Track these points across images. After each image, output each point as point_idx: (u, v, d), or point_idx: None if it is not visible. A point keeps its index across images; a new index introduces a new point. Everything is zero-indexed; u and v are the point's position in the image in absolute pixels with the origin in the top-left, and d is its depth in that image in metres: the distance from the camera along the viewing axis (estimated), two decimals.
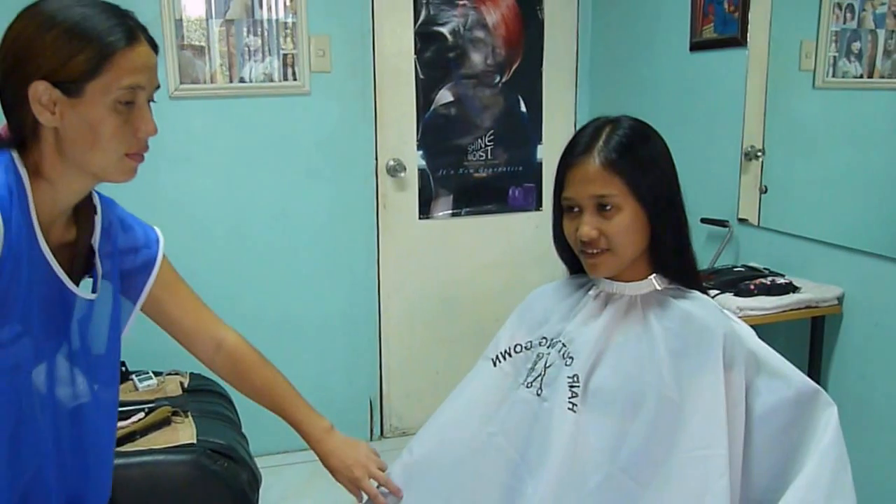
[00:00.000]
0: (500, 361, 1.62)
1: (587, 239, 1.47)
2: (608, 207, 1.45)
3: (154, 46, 1.36)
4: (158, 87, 1.39)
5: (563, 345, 1.53)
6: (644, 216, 1.45)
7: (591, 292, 1.57)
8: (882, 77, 2.48)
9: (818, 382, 2.56)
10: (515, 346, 1.61)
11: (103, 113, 1.27)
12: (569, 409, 1.46)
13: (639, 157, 1.47)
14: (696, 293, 1.50)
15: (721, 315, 1.47)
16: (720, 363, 1.40)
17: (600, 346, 1.50)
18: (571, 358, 1.50)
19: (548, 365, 1.53)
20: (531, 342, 1.59)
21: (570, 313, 1.57)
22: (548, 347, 1.55)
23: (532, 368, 1.55)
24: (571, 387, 1.48)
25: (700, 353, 1.41)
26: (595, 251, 1.48)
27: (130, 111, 1.31)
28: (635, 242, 1.47)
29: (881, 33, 2.47)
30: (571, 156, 1.52)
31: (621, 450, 1.42)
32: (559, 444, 1.44)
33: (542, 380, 1.52)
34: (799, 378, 1.43)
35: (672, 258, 1.50)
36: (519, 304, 1.74)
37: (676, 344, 1.44)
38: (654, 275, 1.51)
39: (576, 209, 1.50)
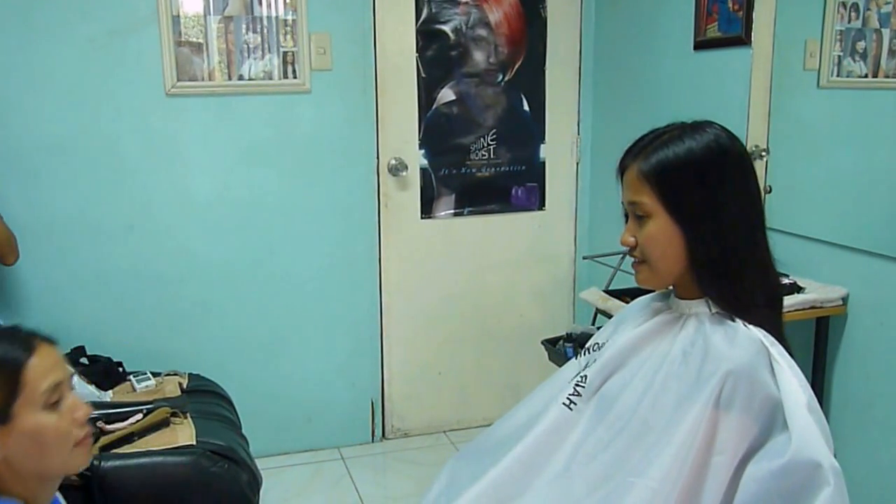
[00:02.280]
0: (580, 356, 1.68)
1: (623, 245, 1.48)
2: (642, 215, 1.43)
3: (50, 340, 1.43)
4: (72, 373, 1.46)
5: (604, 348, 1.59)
6: (678, 231, 1.40)
7: (655, 304, 1.58)
8: (887, 76, 2.46)
9: (822, 383, 2.57)
10: (594, 345, 1.66)
11: (38, 420, 1.34)
12: (564, 404, 1.55)
13: (675, 168, 1.40)
14: (739, 324, 1.40)
15: (747, 353, 1.35)
16: (710, 400, 1.34)
17: (624, 355, 1.52)
18: (595, 360, 1.56)
19: (589, 364, 1.60)
20: (603, 343, 1.64)
21: (634, 321, 1.59)
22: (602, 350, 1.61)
23: (584, 366, 1.62)
24: (576, 385, 1.56)
25: (695, 386, 1.37)
26: (634, 260, 1.48)
27: (61, 406, 1.38)
28: (668, 256, 1.43)
29: (886, 32, 2.45)
30: (624, 160, 1.48)
31: (590, 455, 1.46)
32: (539, 431, 1.55)
33: (579, 378, 1.60)
34: (805, 447, 1.25)
35: (713, 281, 1.42)
36: None
37: (681, 371, 1.42)
38: (708, 297, 1.46)
39: (627, 215, 1.49)
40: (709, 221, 1.39)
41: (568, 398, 1.56)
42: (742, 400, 1.32)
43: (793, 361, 1.36)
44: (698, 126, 1.45)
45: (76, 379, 2.64)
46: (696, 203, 1.39)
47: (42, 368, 1.36)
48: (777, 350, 1.36)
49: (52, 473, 1.40)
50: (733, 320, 1.41)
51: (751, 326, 1.38)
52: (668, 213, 1.40)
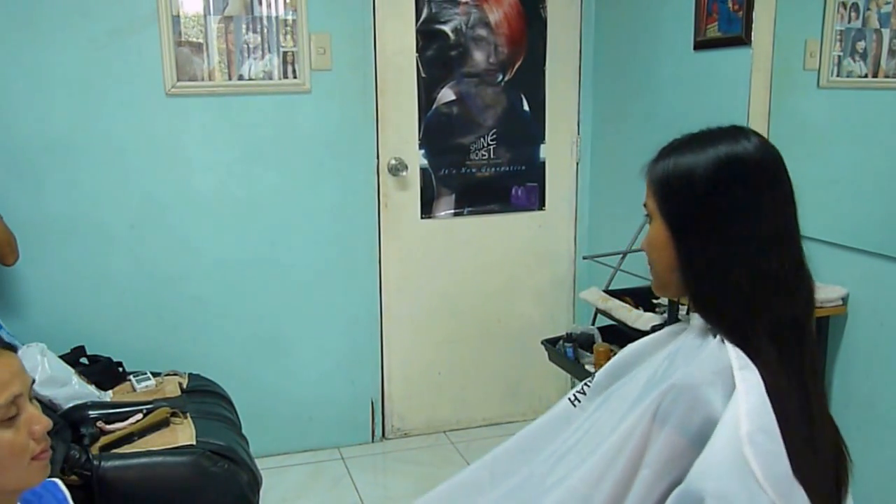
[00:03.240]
0: None
1: (641, 248, 1.47)
2: (649, 218, 1.40)
3: (11, 348, 1.35)
4: (33, 381, 1.37)
5: None
6: (671, 239, 1.35)
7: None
8: (887, 76, 2.46)
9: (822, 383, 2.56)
10: None
11: None
12: (569, 399, 1.58)
13: (675, 177, 1.34)
14: (716, 340, 1.32)
15: (700, 370, 1.29)
16: (647, 411, 1.30)
17: (630, 361, 1.53)
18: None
19: None
20: None
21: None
22: None
23: None
24: (585, 384, 1.58)
25: (644, 395, 1.35)
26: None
27: (18, 420, 1.30)
28: (662, 262, 1.38)
29: (886, 32, 2.45)
30: (650, 162, 1.42)
31: (568, 451, 1.49)
32: (540, 421, 1.60)
33: (590, 377, 1.61)
34: (699, 478, 1.17)
35: (696, 294, 1.35)
36: None
37: (651, 381, 1.40)
38: None
39: None
40: (701, 234, 1.32)
41: (574, 394, 1.59)
42: (678, 417, 1.26)
43: (760, 388, 1.23)
44: (721, 134, 1.36)
45: (76, 378, 2.64)
46: (689, 214, 1.33)
47: (0, 380, 1.27)
48: (746, 374, 1.25)
49: (6, 489, 1.32)
50: (715, 335, 1.33)
51: (727, 344, 1.29)
52: (663, 220, 1.36)
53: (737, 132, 1.36)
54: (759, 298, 1.30)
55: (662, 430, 1.26)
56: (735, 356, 1.27)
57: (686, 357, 1.35)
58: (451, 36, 3.59)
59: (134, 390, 2.82)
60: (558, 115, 3.82)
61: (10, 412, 1.28)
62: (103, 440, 2.40)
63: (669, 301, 2.66)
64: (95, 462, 2.26)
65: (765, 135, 2.78)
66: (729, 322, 1.31)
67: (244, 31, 3.25)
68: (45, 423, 1.33)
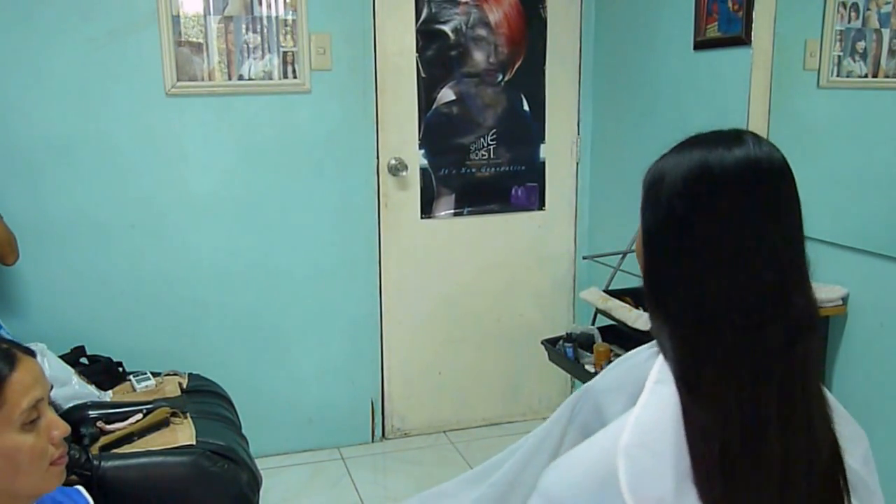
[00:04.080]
0: None
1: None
2: None
3: (31, 353, 1.35)
4: (52, 387, 1.39)
5: None
6: (644, 243, 1.24)
7: None
8: (887, 76, 2.46)
9: (822, 384, 2.56)
10: None
11: (14, 440, 1.27)
12: None
13: (653, 179, 1.21)
14: (650, 351, 1.26)
15: (615, 377, 1.26)
16: (567, 409, 1.31)
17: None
18: None
19: None
20: None
21: None
22: None
23: None
24: None
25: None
26: None
27: (39, 424, 1.31)
28: (640, 265, 1.27)
29: (886, 32, 2.45)
30: None
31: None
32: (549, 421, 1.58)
33: None
34: (542, 476, 1.16)
35: (648, 307, 1.24)
36: None
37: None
38: None
39: None
40: (662, 247, 1.20)
41: None
42: (583, 420, 1.27)
43: (665, 404, 1.14)
44: (708, 139, 1.21)
45: (76, 378, 2.64)
46: (654, 224, 1.21)
47: (23, 385, 1.27)
48: (659, 388, 1.15)
49: (24, 493, 1.32)
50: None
51: (659, 359, 1.19)
52: (641, 222, 1.24)
53: (721, 138, 1.20)
54: (708, 327, 1.14)
55: (571, 430, 1.30)
56: (658, 370, 1.17)
57: (620, 362, 1.32)
58: (451, 36, 3.59)
59: (134, 390, 2.82)
60: (558, 115, 3.82)
61: (32, 416, 1.29)
62: (103, 440, 2.40)
63: None
64: (95, 462, 2.26)
65: (765, 135, 2.80)
66: (667, 340, 1.18)
67: (244, 31, 3.25)
68: (64, 428, 1.34)
